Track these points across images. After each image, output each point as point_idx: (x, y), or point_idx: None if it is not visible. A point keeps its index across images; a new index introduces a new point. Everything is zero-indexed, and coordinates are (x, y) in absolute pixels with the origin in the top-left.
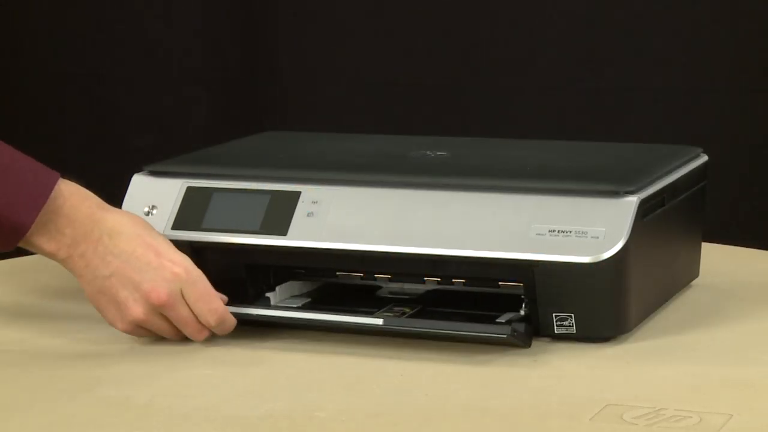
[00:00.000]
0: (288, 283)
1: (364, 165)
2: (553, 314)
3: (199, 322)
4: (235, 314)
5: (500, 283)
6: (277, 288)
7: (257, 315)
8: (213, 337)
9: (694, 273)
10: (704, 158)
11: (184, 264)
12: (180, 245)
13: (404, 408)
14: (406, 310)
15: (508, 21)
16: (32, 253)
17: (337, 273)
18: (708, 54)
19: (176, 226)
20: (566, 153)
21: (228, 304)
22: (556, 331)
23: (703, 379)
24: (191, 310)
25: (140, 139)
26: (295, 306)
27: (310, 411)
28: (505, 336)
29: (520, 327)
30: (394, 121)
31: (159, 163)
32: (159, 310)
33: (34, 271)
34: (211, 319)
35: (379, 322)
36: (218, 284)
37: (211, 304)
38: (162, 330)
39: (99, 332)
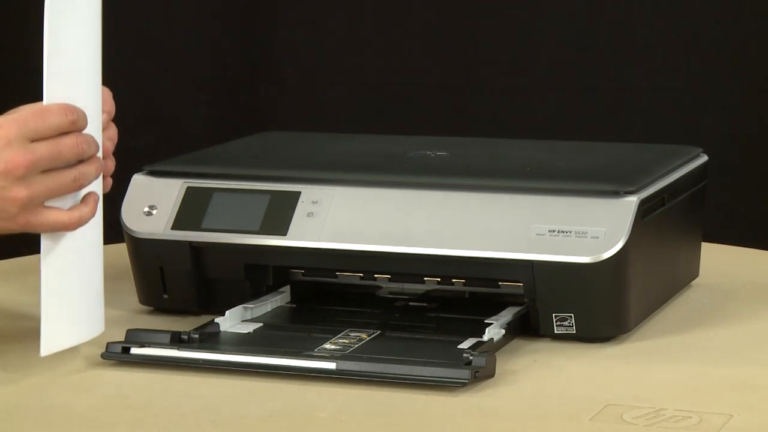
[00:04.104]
0: (238, 307)
1: (364, 165)
2: (553, 314)
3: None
4: (175, 358)
5: (500, 283)
6: (227, 313)
7: (201, 360)
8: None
9: (694, 273)
10: (704, 158)
11: (3, 121)
12: (180, 245)
13: (404, 408)
14: (363, 336)
15: (508, 21)
16: (32, 253)
17: (337, 273)
18: (708, 54)
19: (176, 226)
20: (566, 153)
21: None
22: (556, 331)
23: (703, 379)
24: (50, 144)
25: (140, 139)
26: (244, 332)
27: (310, 411)
28: (466, 381)
29: (481, 361)
30: (394, 121)
31: (159, 163)
32: (33, 172)
33: (34, 271)
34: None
35: (315, 365)
36: (218, 284)
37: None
38: (57, 183)
39: None
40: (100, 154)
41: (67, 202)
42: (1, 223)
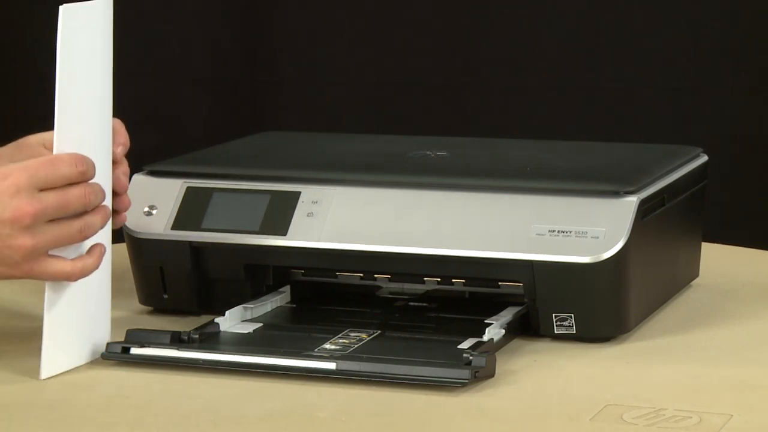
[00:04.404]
0: (238, 307)
1: (363, 165)
2: (553, 314)
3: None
4: (175, 358)
5: (500, 283)
6: (227, 313)
7: (202, 360)
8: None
9: (694, 273)
10: (704, 158)
11: (14, 169)
12: (180, 245)
13: (404, 408)
14: (363, 336)
15: (508, 21)
16: None
17: (337, 273)
18: (708, 54)
19: (176, 226)
20: (566, 153)
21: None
22: (556, 331)
23: (703, 379)
24: (58, 194)
25: (140, 139)
26: (244, 332)
27: (310, 411)
28: (466, 381)
29: (481, 361)
30: (394, 121)
31: (159, 163)
32: (40, 221)
33: None
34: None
35: (315, 365)
36: (218, 284)
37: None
38: (63, 233)
39: None
40: (108, 201)
41: (70, 251)
42: (4, 269)
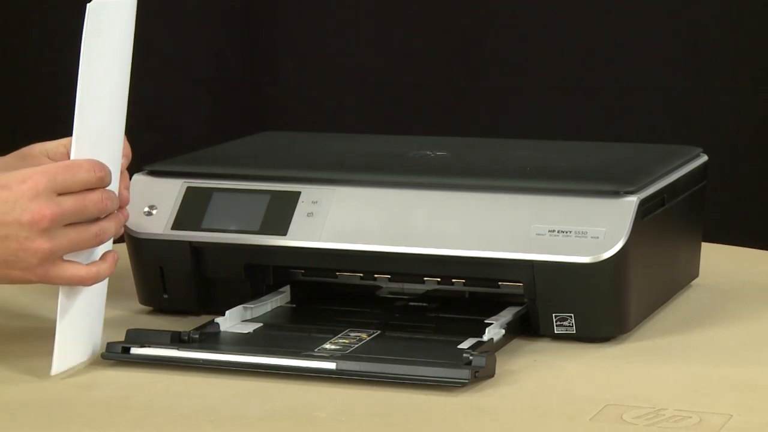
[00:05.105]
0: (238, 307)
1: (363, 165)
2: (553, 314)
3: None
4: (175, 358)
5: (500, 283)
6: (227, 313)
7: (202, 360)
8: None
9: (694, 273)
10: (704, 158)
11: (33, 173)
12: (180, 245)
13: (404, 408)
14: (363, 336)
15: (508, 21)
16: None
17: (337, 273)
18: (708, 54)
19: (176, 226)
20: (566, 153)
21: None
22: (556, 331)
23: (703, 379)
24: (76, 199)
25: (140, 139)
26: (244, 332)
27: (310, 411)
28: (466, 381)
29: (481, 361)
30: (394, 121)
31: (159, 163)
32: (57, 225)
33: None
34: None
35: (315, 365)
36: (218, 284)
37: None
38: (79, 237)
39: None
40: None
41: (83, 255)
42: (19, 273)
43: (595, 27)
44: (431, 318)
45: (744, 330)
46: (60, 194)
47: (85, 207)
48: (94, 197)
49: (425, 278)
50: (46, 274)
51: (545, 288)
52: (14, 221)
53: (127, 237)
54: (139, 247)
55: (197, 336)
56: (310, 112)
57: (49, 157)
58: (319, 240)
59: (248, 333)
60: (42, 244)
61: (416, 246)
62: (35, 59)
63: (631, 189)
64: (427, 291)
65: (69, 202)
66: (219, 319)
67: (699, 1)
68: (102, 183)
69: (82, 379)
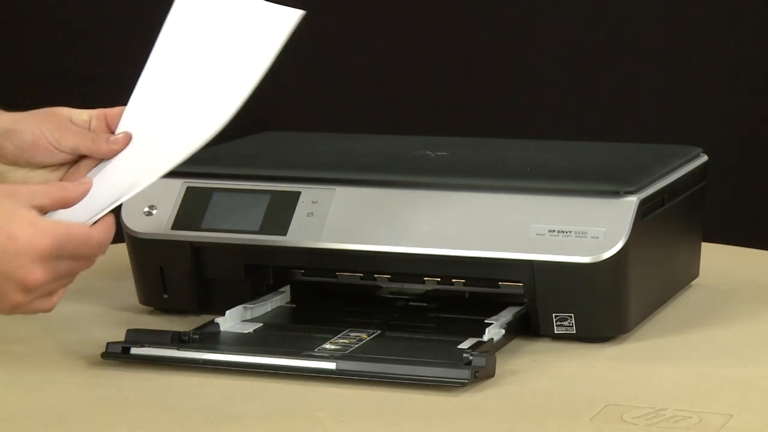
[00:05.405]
0: (238, 307)
1: (363, 165)
2: (553, 314)
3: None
4: (175, 358)
5: (500, 283)
6: (227, 313)
7: (202, 360)
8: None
9: (694, 273)
10: (704, 158)
11: (47, 228)
12: (180, 245)
13: (404, 408)
14: (363, 336)
15: (508, 21)
16: None
17: (337, 273)
18: (708, 54)
19: (176, 226)
20: (566, 153)
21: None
22: (556, 331)
23: (703, 379)
24: (71, 267)
25: None
26: (244, 332)
27: (310, 411)
28: (466, 381)
29: (481, 361)
30: (394, 121)
31: None
32: (43, 285)
33: None
34: (99, 253)
35: (315, 365)
36: (218, 284)
37: (87, 246)
38: (51, 291)
39: (99, 332)
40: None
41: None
42: None
43: (595, 27)
44: (431, 318)
45: (744, 330)
46: (59, 257)
47: (74, 273)
48: (85, 264)
49: (425, 278)
50: (10, 313)
51: (545, 288)
52: (7, 273)
53: (127, 237)
54: (139, 247)
55: (197, 336)
56: (310, 112)
57: (72, 122)
58: (319, 240)
59: (248, 333)
60: (18, 298)
61: (416, 246)
62: (35, 59)
63: (631, 189)
64: (427, 291)
65: (62, 268)
66: (219, 319)
67: (699, 1)
68: (97, 257)
69: (82, 379)
